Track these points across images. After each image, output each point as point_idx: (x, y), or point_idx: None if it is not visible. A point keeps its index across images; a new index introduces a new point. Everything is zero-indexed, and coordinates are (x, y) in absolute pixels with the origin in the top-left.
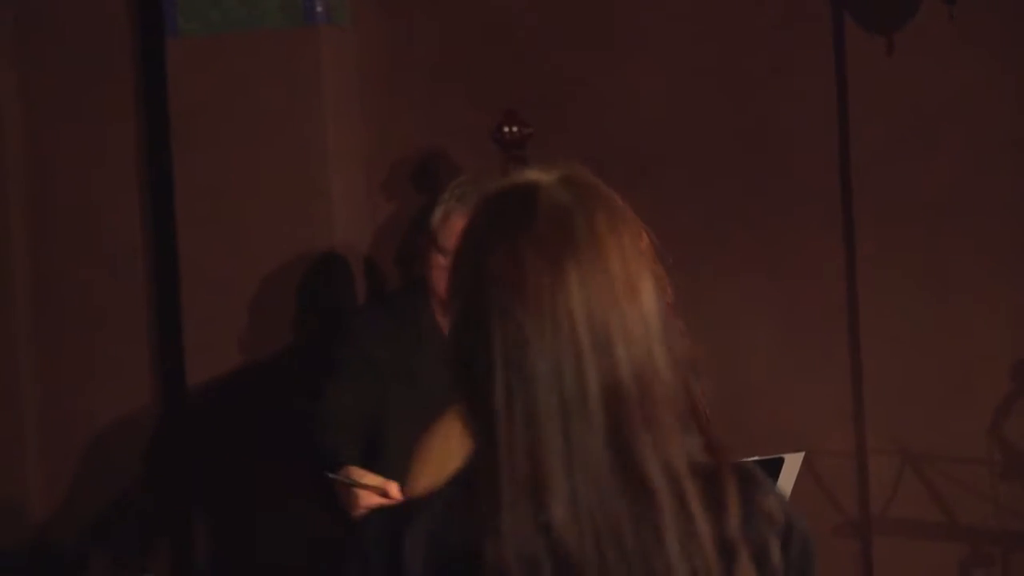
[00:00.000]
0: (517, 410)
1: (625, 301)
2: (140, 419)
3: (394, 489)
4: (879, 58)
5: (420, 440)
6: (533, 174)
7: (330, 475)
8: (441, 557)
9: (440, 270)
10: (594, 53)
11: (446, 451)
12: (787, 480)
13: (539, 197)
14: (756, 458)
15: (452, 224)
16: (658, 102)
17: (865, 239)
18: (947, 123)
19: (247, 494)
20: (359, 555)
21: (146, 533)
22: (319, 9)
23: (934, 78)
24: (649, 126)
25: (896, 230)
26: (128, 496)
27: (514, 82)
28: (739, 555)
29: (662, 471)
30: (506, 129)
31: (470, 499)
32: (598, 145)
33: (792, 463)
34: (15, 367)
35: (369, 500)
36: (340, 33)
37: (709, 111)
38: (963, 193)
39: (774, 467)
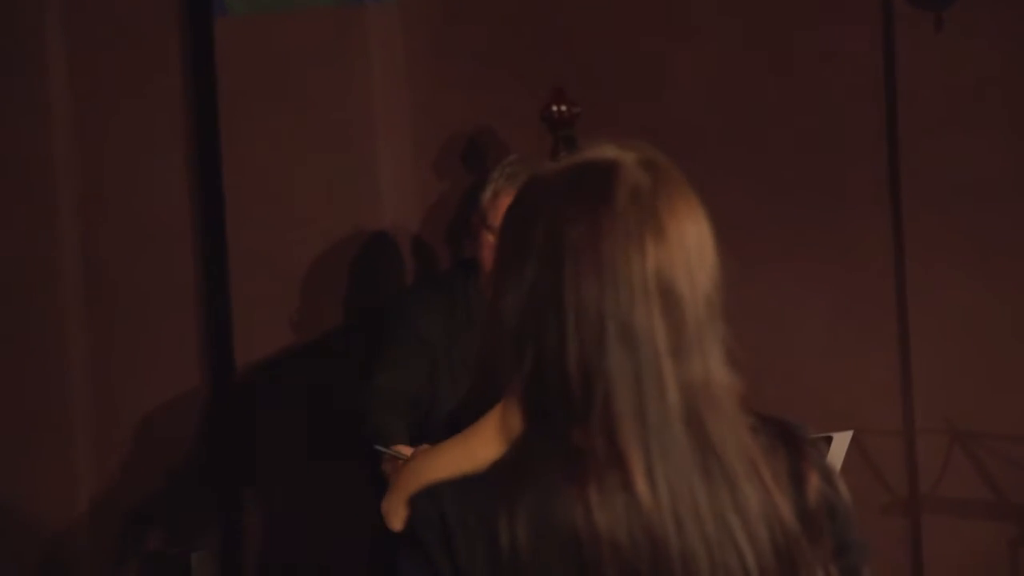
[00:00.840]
0: (593, 382)
1: (699, 279)
2: (190, 400)
3: None
4: (928, 35)
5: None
6: (611, 151)
7: (378, 448)
8: (543, 531)
9: (490, 249)
10: (642, 31)
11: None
12: (835, 458)
13: (619, 174)
14: None
15: (502, 203)
16: (707, 81)
17: (913, 217)
18: (996, 100)
19: (297, 474)
20: (440, 528)
21: (196, 513)
22: None
23: (983, 55)
24: (697, 105)
25: (945, 207)
26: (178, 476)
27: (562, 60)
28: (814, 526)
29: (735, 446)
30: (554, 108)
31: (552, 471)
32: (647, 124)
33: (840, 442)
34: (66, 350)
35: None
36: (387, 12)
37: (757, 90)
38: (1011, 170)
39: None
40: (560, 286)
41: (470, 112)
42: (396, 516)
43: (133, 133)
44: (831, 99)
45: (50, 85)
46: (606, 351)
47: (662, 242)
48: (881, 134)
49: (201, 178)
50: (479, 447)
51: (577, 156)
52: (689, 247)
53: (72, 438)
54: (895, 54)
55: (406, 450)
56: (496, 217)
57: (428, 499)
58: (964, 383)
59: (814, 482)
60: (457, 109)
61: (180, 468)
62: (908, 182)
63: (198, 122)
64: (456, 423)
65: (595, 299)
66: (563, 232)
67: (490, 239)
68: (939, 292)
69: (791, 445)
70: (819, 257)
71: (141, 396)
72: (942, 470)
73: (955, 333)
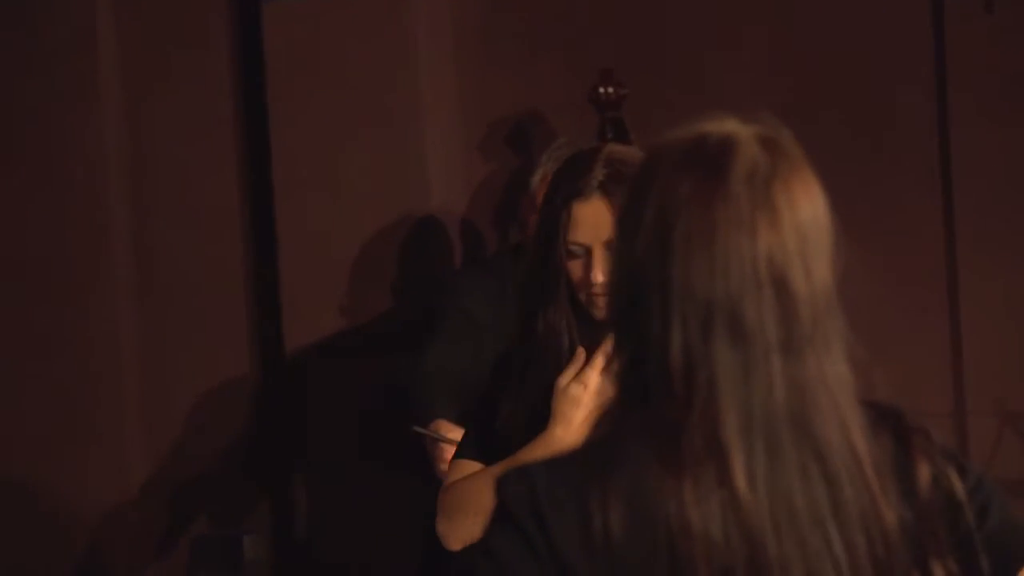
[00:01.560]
0: (696, 373)
1: (815, 269)
2: (239, 384)
3: None
4: (978, 16)
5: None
6: (729, 125)
7: (416, 429)
8: (636, 518)
9: None
10: (691, 11)
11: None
12: None
13: (735, 152)
14: None
15: None
16: (756, 61)
17: (964, 199)
18: None
19: (347, 457)
20: (532, 504)
21: (247, 496)
22: None
23: None
24: (746, 86)
25: (995, 188)
26: (228, 460)
27: (610, 42)
28: (927, 521)
29: (841, 449)
30: (602, 90)
31: (648, 460)
32: (695, 106)
33: None
34: (116, 336)
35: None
36: None
37: (807, 71)
38: None
39: None
40: (668, 269)
41: (517, 94)
42: (454, 537)
43: (182, 119)
44: (880, 83)
45: (99, 72)
46: (712, 342)
47: (776, 228)
48: (932, 118)
49: (249, 163)
50: None
51: (695, 128)
52: (805, 234)
53: (122, 424)
54: (944, 36)
55: (446, 427)
56: None
57: (519, 477)
58: (1015, 365)
59: (924, 475)
60: (504, 91)
61: (230, 452)
62: (959, 165)
63: (246, 107)
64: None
65: (703, 286)
66: (674, 212)
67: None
68: (990, 274)
69: (899, 438)
70: (870, 240)
71: (191, 380)
72: (992, 452)
73: (1006, 316)
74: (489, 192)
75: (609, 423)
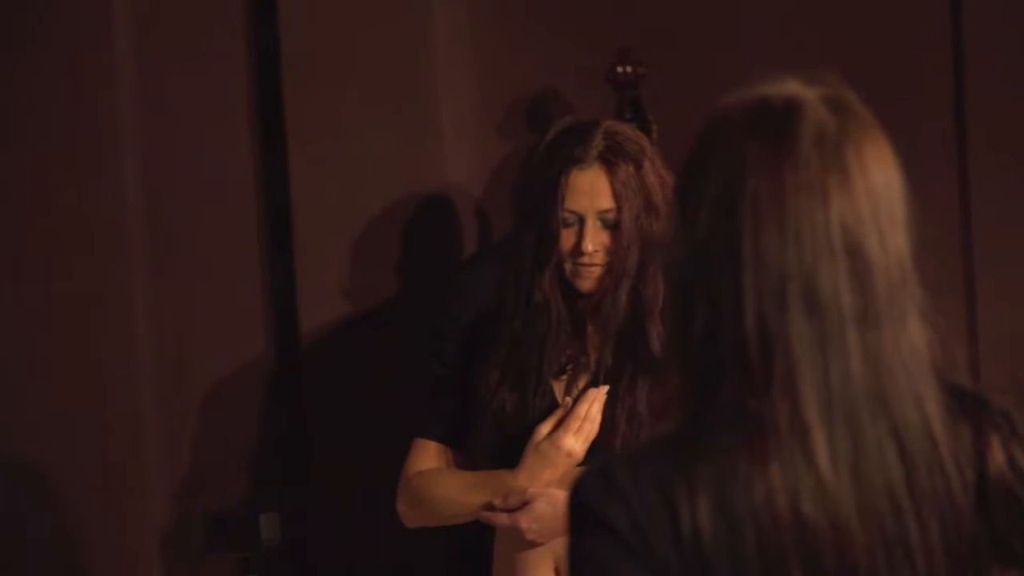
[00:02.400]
0: (773, 348)
1: (890, 237)
2: (254, 364)
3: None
4: None
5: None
6: (793, 87)
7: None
8: (725, 511)
9: None
10: None
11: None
12: None
13: (802, 115)
14: None
15: None
16: (773, 40)
17: (980, 172)
18: None
19: (364, 435)
20: (622, 501)
21: (262, 475)
22: None
23: None
24: (764, 64)
25: (1012, 163)
26: (243, 439)
27: (628, 20)
28: (998, 505)
29: (918, 428)
30: (619, 69)
31: (731, 446)
32: (715, 84)
33: None
34: (131, 314)
35: None
36: None
37: (824, 50)
38: None
39: None
40: (738, 239)
41: (534, 74)
42: (411, 520)
43: (197, 97)
44: (896, 58)
45: (115, 50)
46: (787, 313)
47: (848, 193)
48: (948, 92)
49: (264, 141)
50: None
51: (757, 92)
52: (878, 200)
53: (137, 404)
54: (962, 8)
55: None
56: None
57: (599, 476)
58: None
59: (998, 459)
60: (521, 71)
61: (245, 430)
62: (975, 140)
63: (262, 87)
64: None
65: (776, 255)
66: (741, 181)
67: None
68: (1006, 250)
69: (975, 419)
70: None
71: (206, 360)
72: None
73: (1022, 291)
74: (506, 172)
75: (685, 411)
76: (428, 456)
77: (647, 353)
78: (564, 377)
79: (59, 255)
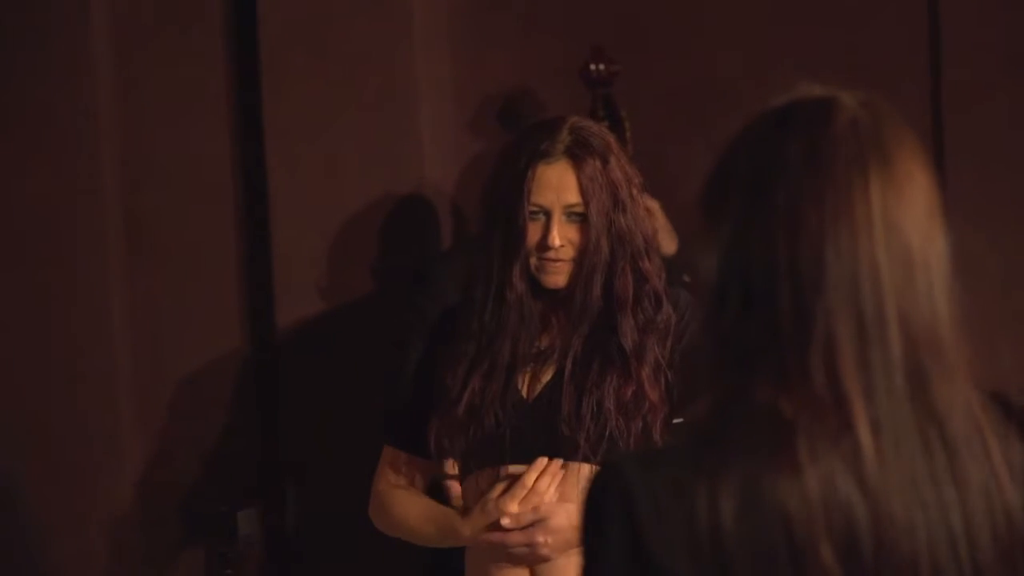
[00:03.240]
0: (810, 323)
1: (930, 230)
2: (231, 359)
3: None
4: None
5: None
6: (824, 90)
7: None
8: (750, 510)
9: None
10: None
11: None
12: None
13: (837, 107)
14: None
15: None
16: (748, 39)
17: (957, 177)
18: None
19: (339, 431)
20: (625, 516)
21: (239, 471)
22: None
23: None
24: (738, 63)
25: (989, 168)
26: (220, 435)
27: (602, 18)
28: None
29: (962, 415)
30: (593, 67)
31: (760, 436)
32: (688, 82)
33: None
34: (108, 308)
35: None
36: None
37: (800, 48)
38: None
39: None
40: (771, 216)
41: (510, 72)
42: (378, 525)
43: (175, 94)
44: (872, 59)
45: (93, 46)
46: (824, 287)
47: (889, 175)
48: (925, 95)
49: (243, 138)
50: None
51: (786, 96)
52: (919, 190)
53: (114, 399)
54: (939, 14)
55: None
56: None
57: (612, 478)
58: (1012, 343)
59: None
60: (497, 69)
61: (222, 426)
62: (952, 143)
63: (240, 82)
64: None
65: (813, 230)
66: (773, 157)
67: None
68: (984, 254)
69: (1010, 414)
70: None
71: (182, 355)
72: None
73: (1002, 295)
74: (482, 170)
75: (713, 405)
76: (396, 463)
77: (617, 348)
78: (528, 371)
79: (34, 249)
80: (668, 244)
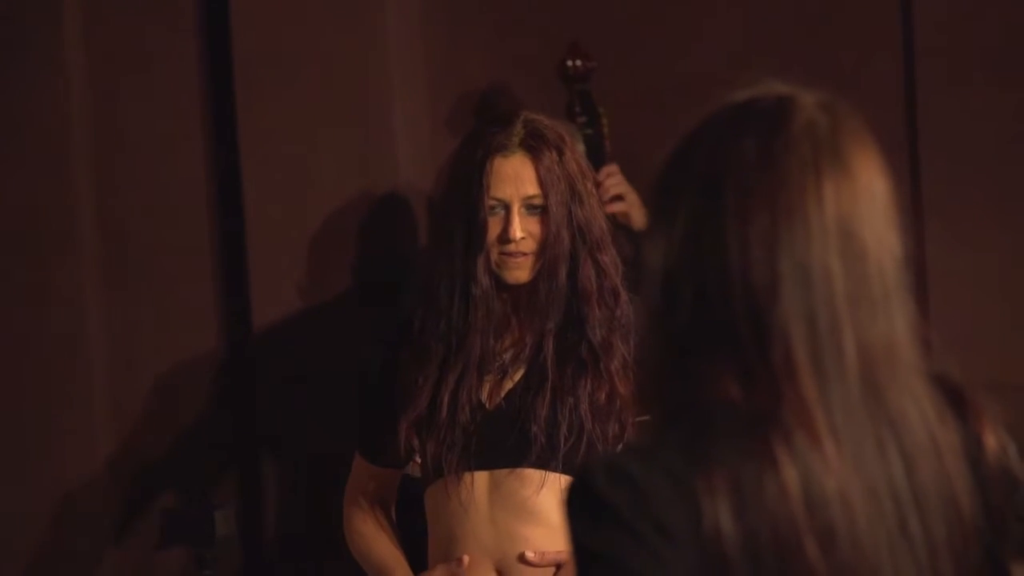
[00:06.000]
0: (765, 328)
1: (885, 235)
2: (207, 360)
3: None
4: None
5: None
6: (783, 88)
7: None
8: (744, 506)
9: None
10: None
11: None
12: None
13: (794, 108)
14: None
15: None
16: (726, 35)
17: (931, 169)
18: (1017, 53)
19: (315, 432)
20: (644, 516)
21: (216, 471)
22: None
23: (1004, 6)
24: (716, 59)
25: (962, 160)
26: (196, 436)
27: (578, 14)
28: (993, 498)
29: (916, 421)
30: (569, 63)
31: (738, 434)
32: (665, 79)
33: None
34: (82, 311)
35: None
36: None
37: (777, 44)
38: None
39: None
40: (723, 216)
41: (485, 68)
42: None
43: (148, 95)
44: (847, 53)
45: (66, 47)
46: (779, 292)
47: (843, 178)
48: (899, 87)
49: (216, 139)
50: None
51: (744, 94)
52: (874, 192)
53: (90, 401)
54: (912, 5)
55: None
56: None
57: (617, 477)
58: (983, 335)
59: (992, 449)
60: (472, 65)
61: (199, 427)
62: (926, 137)
63: (214, 84)
64: None
65: (765, 232)
66: (727, 156)
67: None
68: (958, 245)
69: (963, 411)
70: None
71: (159, 357)
72: None
73: (974, 286)
74: None
75: (665, 407)
76: (366, 474)
77: (588, 348)
78: (490, 375)
79: (8, 251)
80: (642, 220)
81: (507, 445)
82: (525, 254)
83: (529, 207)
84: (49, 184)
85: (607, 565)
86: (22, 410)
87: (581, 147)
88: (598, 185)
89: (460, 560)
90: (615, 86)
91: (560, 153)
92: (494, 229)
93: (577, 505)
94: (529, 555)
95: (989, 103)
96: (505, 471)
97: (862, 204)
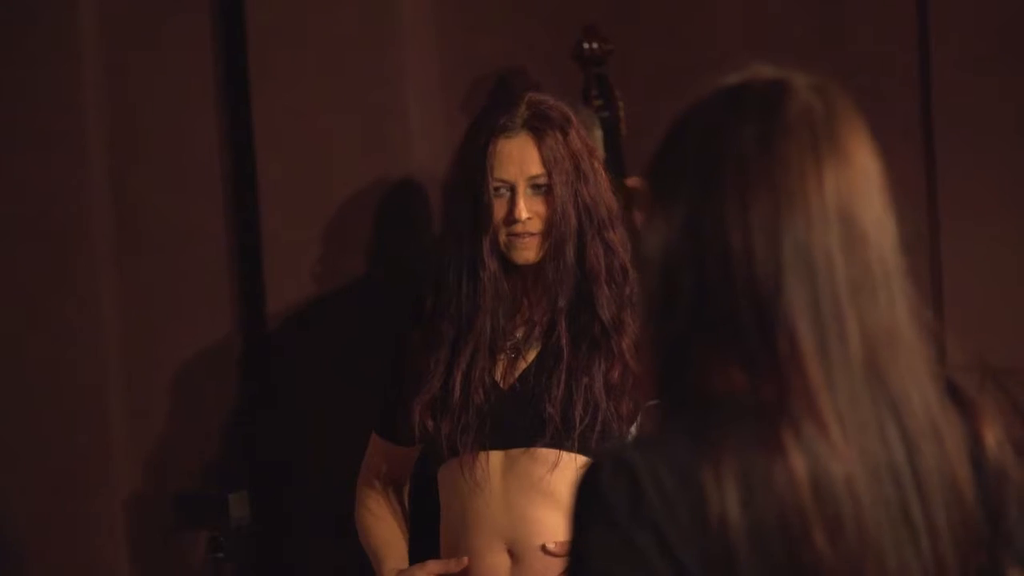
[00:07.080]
0: (769, 316)
1: (885, 220)
2: (221, 342)
3: None
4: None
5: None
6: (776, 72)
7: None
8: (752, 495)
9: None
10: None
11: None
12: None
13: (789, 92)
14: None
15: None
16: (741, 16)
17: (945, 151)
18: None
19: (330, 416)
20: (637, 516)
21: (230, 455)
22: None
23: None
24: (731, 42)
25: (978, 141)
26: (210, 420)
27: None
28: (993, 494)
29: (919, 407)
30: (586, 46)
31: (746, 422)
32: (682, 62)
33: None
34: (97, 296)
35: None
36: None
37: (792, 27)
38: None
39: None
40: (723, 203)
41: (500, 52)
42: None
43: (161, 76)
44: (861, 36)
45: (79, 29)
46: (782, 280)
47: (842, 163)
48: (913, 72)
49: (231, 124)
50: None
51: (737, 77)
52: (871, 178)
53: (104, 384)
54: None
55: None
56: None
57: (617, 470)
58: (997, 320)
59: (991, 443)
60: (486, 48)
61: (213, 411)
62: (940, 118)
63: (228, 67)
64: None
65: (767, 218)
66: (723, 142)
67: None
68: (972, 229)
69: (964, 407)
70: None
71: (173, 340)
72: None
73: (989, 270)
74: None
75: (668, 397)
76: (380, 452)
77: (600, 328)
78: (503, 355)
79: (23, 236)
80: None
81: (522, 425)
82: (532, 234)
83: (534, 187)
84: (62, 167)
85: (593, 568)
86: (37, 393)
87: (599, 132)
88: (627, 184)
89: (460, 560)
90: (632, 69)
91: (564, 132)
92: (500, 210)
93: (582, 497)
94: (550, 546)
95: (1005, 86)
96: (519, 451)
97: (860, 188)
